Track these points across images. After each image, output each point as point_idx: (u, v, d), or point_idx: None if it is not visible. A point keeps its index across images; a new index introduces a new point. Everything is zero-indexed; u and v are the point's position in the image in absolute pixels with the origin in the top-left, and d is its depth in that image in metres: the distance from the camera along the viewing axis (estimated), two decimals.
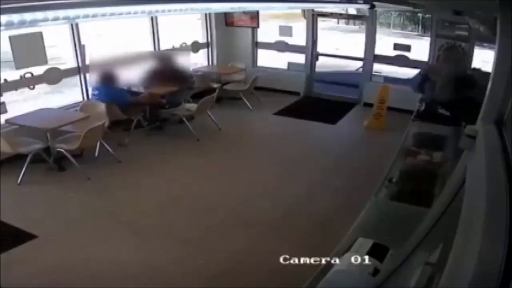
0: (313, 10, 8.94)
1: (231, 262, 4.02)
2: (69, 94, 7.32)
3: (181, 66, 6.84)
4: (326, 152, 6.68)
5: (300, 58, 9.48)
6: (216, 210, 4.92)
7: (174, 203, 5.07)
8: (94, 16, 1.79)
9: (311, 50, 9.29)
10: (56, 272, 3.81)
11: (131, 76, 6.39)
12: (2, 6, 1.35)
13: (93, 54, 6.39)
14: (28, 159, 5.37)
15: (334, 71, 11.09)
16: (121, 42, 8.85)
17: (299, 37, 9.34)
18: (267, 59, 9.87)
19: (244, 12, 9.35)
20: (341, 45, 12.17)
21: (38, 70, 6.09)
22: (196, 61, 9.10)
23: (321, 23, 9.73)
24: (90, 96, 6.69)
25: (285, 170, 5.97)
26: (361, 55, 9.00)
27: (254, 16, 9.51)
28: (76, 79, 6.77)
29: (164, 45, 8.18)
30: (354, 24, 15.72)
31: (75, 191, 5.22)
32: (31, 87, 6.14)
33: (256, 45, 9.80)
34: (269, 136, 7.29)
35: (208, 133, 7.08)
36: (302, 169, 6.03)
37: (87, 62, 6.56)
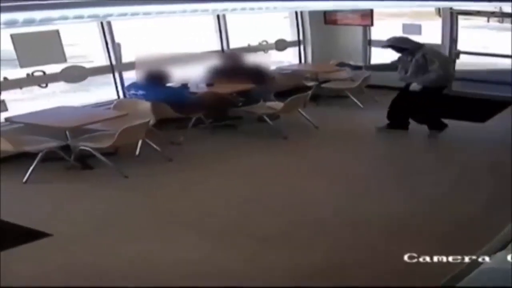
0: (451, 8, 8.54)
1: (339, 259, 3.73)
2: (97, 93, 7.41)
3: (258, 64, 7.08)
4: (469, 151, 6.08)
5: None
6: (316, 208, 4.63)
7: (250, 201, 4.84)
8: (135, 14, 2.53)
9: (449, 49, 8.75)
10: (93, 274, 3.57)
11: (189, 75, 6.53)
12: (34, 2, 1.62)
13: (140, 53, 6.51)
14: (39, 157, 5.25)
15: (479, 69, 10.12)
16: (177, 40, 8.86)
17: (430, 36, 8.85)
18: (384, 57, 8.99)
19: (352, 10, 9.13)
20: (491, 43, 10.97)
21: (55, 68, 6.11)
22: (282, 59, 9.09)
23: (464, 21, 9.32)
24: (127, 95, 6.67)
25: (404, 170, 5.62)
26: None
27: (367, 14, 9.21)
28: (106, 77, 6.81)
29: (237, 44, 8.17)
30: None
31: (109, 189, 5.09)
32: (43, 85, 6.15)
33: (369, 43, 9.42)
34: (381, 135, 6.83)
35: (301, 132, 6.86)
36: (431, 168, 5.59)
37: (124, 61, 6.66)
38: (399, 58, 6.42)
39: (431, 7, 8.52)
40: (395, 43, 6.37)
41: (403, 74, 6.32)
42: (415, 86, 6.24)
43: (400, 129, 6.51)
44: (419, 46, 6.30)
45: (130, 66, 6.60)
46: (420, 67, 6.11)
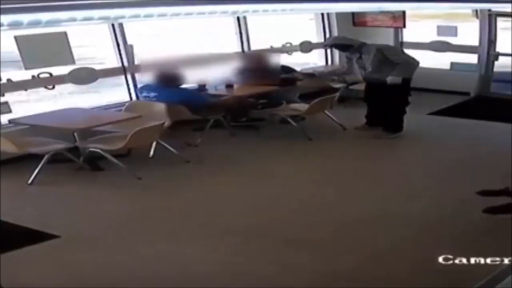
0: (489, 10, 8.48)
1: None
2: (108, 95, 7.44)
3: (276, 66, 6.94)
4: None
5: (467, 58, 9.05)
6: (343, 209, 4.53)
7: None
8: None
9: (487, 50, 8.79)
10: (103, 277, 3.55)
11: (207, 76, 6.57)
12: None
13: (152, 54, 6.61)
14: (45, 159, 5.13)
15: None
16: (196, 42, 8.86)
17: (466, 38, 9.01)
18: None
19: (382, 12, 9.04)
20: None
21: (62, 70, 6.08)
22: (307, 61, 9.12)
23: (503, 23, 9.23)
24: (139, 97, 6.55)
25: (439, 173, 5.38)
26: None
27: (399, 16, 9.17)
28: (116, 79, 6.80)
29: (259, 46, 8.11)
30: None
31: (121, 190, 5.03)
32: (50, 87, 6.12)
33: (401, 45, 9.34)
34: (417, 135, 6.74)
35: (327, 133, 6.74)
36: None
37: (136, 62, 6.60)
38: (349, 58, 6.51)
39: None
40: (342, 41, 6.53)
41: (362, 72, 6.33)
42: (394, 79, 5.94)
43: (399, 132, 6.28)
44: (361, 42, 6.40)
45: (143, 67, 6.53)
46: (383, 62, 6.06)
